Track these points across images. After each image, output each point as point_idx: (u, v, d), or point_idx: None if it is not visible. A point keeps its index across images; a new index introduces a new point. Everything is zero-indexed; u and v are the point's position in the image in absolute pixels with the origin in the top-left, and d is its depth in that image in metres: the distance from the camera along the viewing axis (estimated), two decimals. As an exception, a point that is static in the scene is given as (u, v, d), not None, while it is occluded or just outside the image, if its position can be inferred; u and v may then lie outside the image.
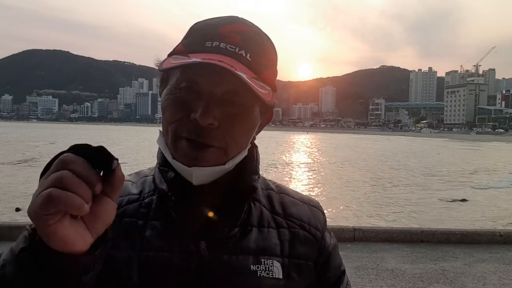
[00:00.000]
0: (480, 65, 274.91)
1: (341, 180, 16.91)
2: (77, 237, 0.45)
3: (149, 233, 0.66)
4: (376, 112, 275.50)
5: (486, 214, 10.58)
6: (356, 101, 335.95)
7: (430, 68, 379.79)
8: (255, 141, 0.74)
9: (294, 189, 0.82)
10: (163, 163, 0.68)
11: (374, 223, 8.84)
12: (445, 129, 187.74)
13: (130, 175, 0.76)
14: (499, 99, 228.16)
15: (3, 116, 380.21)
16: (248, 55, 0.62)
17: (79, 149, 0.46)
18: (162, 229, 0.67)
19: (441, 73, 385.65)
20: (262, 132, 0.71)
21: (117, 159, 0.47)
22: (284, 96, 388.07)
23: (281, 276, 0.68)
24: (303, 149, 42.00)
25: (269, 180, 0.81)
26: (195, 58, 0.59)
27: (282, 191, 0.79)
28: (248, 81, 0.58)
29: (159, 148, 0.69)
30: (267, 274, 0.68)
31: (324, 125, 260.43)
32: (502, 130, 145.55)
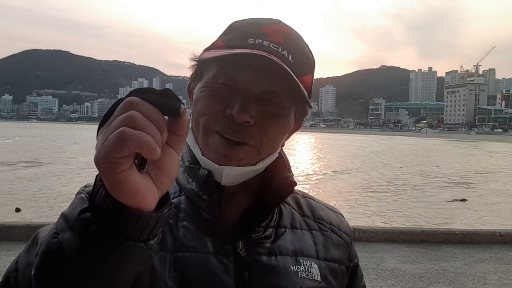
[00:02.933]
0: (480, 65, 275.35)
1: (341, 179, 16.91)
2: (147, 189, 0.42)
3: (182, 234, 0.63)
4: (376, 112, 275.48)
5: (486, 214, 10.57)
6: (356, 101, 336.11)
7: (430, 68, 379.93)
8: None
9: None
10: (193, 160, 0.66)
11: (374, 223, 8.84)
12: (445, 129, 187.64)
13: None
14: (499, 99, 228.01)
15: (3, 116, 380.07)
16: (290, 56, 0.61)
17: (143, 93, 0.41)
18: (194, 229, 0.64)
19: (441, 73, 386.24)
20: None
21: (183, 103, 0.43)
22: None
23: (319, 279, 0.67)
24: (305, 148, 41.99)
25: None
26: (240, 50, 0.57)
27: (307, 196, 0.79)
28: (295, 78, 0.57)
29: (186, 145, 0.66)
30: (307, 275, 0.66)
31: (324, 125, 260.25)
32: (501, 130, 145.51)
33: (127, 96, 0.42)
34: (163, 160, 0.42)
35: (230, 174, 0.62)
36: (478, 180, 17.80)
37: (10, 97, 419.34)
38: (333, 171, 20.26)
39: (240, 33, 0.62)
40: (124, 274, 0.45)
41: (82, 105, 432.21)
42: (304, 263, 0.67)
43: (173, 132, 0.42)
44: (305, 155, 33.37)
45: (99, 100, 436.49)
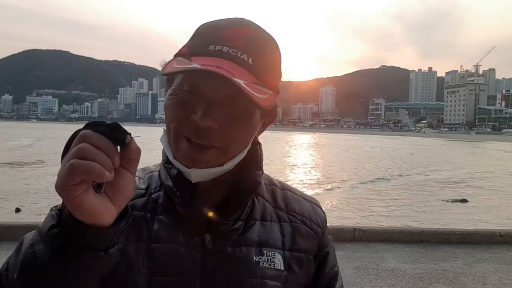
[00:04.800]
0: (480, 65, 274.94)
1: (341, 179, 16.91)
2: (102, 208, 0.50)
3: (156, 226, 0.69)
4: (376, 112, 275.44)
5: (486, 214, 10.57)
6: (356, 101, 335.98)
7: (430, 68, 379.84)
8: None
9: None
10: (167, 160, 0.71)
11: (374, 223, 8.84)
12: (445, 129, 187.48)
13: (137, 170, 0.74)
14: (499, 99, 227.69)
15: (3, 116, 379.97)
16: (250, 59, 0.64)
17: (95, 126, 0.50)
18: (169, 222, 0.70)
19: (441, 73, 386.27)
20: (269, 133, 0.77)
21: (130, 134, 0.51)
22: (284, 96, 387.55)
23: (282, 268, 0.72)
24: (307, 148, 41.97)
25: (273, 177, 0.84)
26: (195, 64, 0.60)
27: (285, 188, 0.83)
28: (246, 87, 0.59)
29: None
30: (269, 265, 0.71)
31: (324, 125, 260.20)
32: (506, 130, 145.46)
33: (83, 128, 0.50)
34: (118, 181, 0.51)
35: (198, 175, 0.66)
36: (478, 180, 17.80)
37: (10, 97, 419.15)
38: (332, 171, 20.24)
39: (202, 39, 0.66)
40: (89, 277, 0.54)
41: (82, 105, 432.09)
42: (268, 253, 0.71)
43: (125, 157, 0.51)
44: (304, 154, 33.34)
45: (99, 100, 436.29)
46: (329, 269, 0.81)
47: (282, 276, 0.72)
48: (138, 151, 0.52)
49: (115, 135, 0.50)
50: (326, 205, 11.65)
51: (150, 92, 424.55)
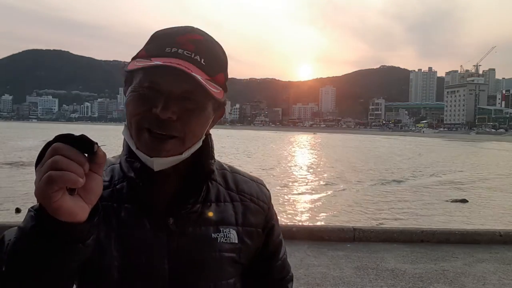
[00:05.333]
0: (480, 65, 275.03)
1: (341, 179, 16.91)
2: (78, 208, 0.58)
3: (123, 215, 0.78)
4: (376, 112, 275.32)
5: (486, 214, 10.59)
6: (356, 101, 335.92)
7: (430, 68, 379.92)
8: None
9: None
10: (129, 154, 0.80)
11: (374, 223, 8.84)
12: (445, 129, 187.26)
13: None
14: (499, 99, 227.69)
15: (3, 116, 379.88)
16: (203, 60, 0.73)
17: (64, 139, 0.57)
18: (134, 210, 0.79)
19: (441, 73, 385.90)
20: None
21: (97, 143, 0.59)
22: (284, 96, 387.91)
23: (236, 241, 0.84)
24: (306, 148, 41.96)
25: (223, 162, 0.94)
26: (157, 62, 0.69)
27: (234, 171, 0.94)
28: (202, 81, 0.69)
29: (124, 139, 0.80)
30: (225, 240, 0.83)
31: (324, 125, 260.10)
32: (502, 130, 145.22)
33: (53, 140, 0.58)
34: (89, 183, 0.59)
35: (160, 163, 0.75)
36: (478, 180, 17.81)
37: (10, 97, 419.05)
38: (332, 170, 20.25)
39: (158, 44, 0.75)
40: (70, 265, 0.64)
41: (82, 105, 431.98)
42: (224, 230, 0.83)
43: (93, 162, 0.59)
44: (304, 154, 33.31)
45: (99, 100, 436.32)
46: (275, 237, 0.94)
47: (237, 248, 0.84)
48: (104, 156, 0.60)
49: (84, 145, 0.58)
50: (326, 205, 11.65)
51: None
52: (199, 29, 0.79)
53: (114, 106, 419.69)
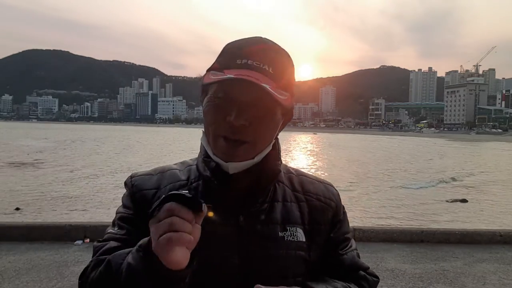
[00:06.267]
0: (480, 65, 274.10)
1: (341, 179, 16.90)
2: (184, 259, 0.67)
3: None
4: (376, 112, 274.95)
5: (486, 214, 10.58)
6: (356, 101, 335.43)
7: (430, 68, 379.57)
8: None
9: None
10: (206, 155, 0.87)
11: (374, 223, 8.83)
12: (445, 129, 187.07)
13: (176, 164, 0.98)
14: (499, 99, 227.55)
15: (3, 116, 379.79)
16: (271, 69, 0.80)
17: (176, 197, 0.66)
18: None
19: (441, 73, 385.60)
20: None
21: (203, 201, 0.68)
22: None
23: (304, 239, 0.89)
24: (305, 149, 41.93)
25: (289, 167, 1.00)
26: (229, 74, 0.77)
27: (301, 174, 0.99)
28: (270, 90, 0.76)
29: (201, 143, 0.90)
30: (292, 238, 0.87)
31: (324, 125, 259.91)
32: (500, 130, 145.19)
33: (166, 198, 0.67)
34: (193, 234, 0.67)
35: (234, 167, 0.83)
36: (478, 180, 17.81)
37: (10, 97, 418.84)
38: (332, 170, 20.22)
39: (229, 56, 0.83)
40: None
41: (82, 105, 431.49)
42: (290, 229, 0.88)
43: (197, 215, 0.67)
44: (305, 154, 33.24)
45: (99, 100, 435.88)
46: (339, 234, 0.95)
47: (305, 246, 0.88)
48: (206, 212, 0.68)
49: (194, 205, 0.66)
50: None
51: (150, 92, 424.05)
52: (267, 39, 0.86)
53: (114, 106, 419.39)
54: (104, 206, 10.27)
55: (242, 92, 0.79)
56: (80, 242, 5.27)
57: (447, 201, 12.17)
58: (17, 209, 9.25)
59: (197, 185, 0.89)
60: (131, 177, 0.93)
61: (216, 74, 0.79)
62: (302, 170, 1.02)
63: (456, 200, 12.13)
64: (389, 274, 4.63)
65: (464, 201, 12.07)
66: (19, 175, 15.92)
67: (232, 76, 0.76)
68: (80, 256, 4.80)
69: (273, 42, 0.86)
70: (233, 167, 0.83)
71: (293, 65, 0.88)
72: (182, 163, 0.98)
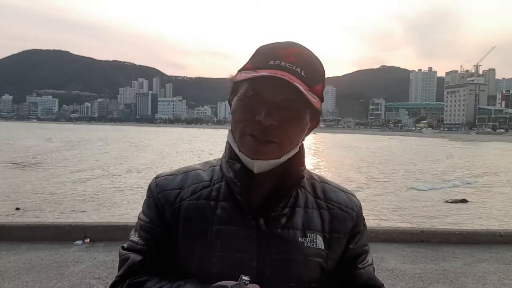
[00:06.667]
0: (480, 65, 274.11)
1: (341, 179, 16.89)
2: None
3: (219, 212, 0.86)
4: (376, 112, 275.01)
5: (486, 214, 10.57)
6: (356, 101, 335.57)
7: (430, 68, 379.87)
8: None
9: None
10: (231, 156, 0.88)
11: (374, 223, 8.83)
12: (445, 129, 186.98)
13: (199, 164, 0.98)
14: (499, 99, 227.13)
15: (3, 116, 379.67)
16: (303, 72, 0.80)
17: None
18: (229, 208, 0.86)
19: (441, 73, 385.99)
20: None
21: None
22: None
23: (323, 247, 0.88)
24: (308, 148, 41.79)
25: (313, 173, 0.99)
26: (263, 73, 0.77)
27: (324, 181, 0.98)
28: (303, 90, 0.76)
29: (227, 142, 0.89)
30: (312, 244, 0.87)
31: (323, 125, 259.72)
32: (502, 130, 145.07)
33: None
34: None
35: (260, 166, 0.83)
36: (478, 180, 17.79)
37: (10, 97, 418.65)
38: (332, 170, 20.21)
39: (263, 57, 0.83)
40: None
41: (82, 105, 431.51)
42: (310, 235, 0.88)
43: None
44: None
45: (99, 100, 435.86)
46: (358, 246, 0.96)
47: (324, 254, 0.88)
48: None
49: None
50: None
51: (150, 92, 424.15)
52: (299, 44, 0.86)
53: (114, 106, 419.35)
54: (104, 206, 10.27)
55: (273, 92, 0.79)
56: (80, 242, 5.26)
57: (447, 201, 12.16)
58: (17, 209, 9.25)
59: (219, 185, 0.90)
60: (156, 177, 0.94)
61: (249, 73, 0.80)
62: (326, 177, 1.01)
63: (456, 201, 12.12)
64: (389, 274, 4.63)
65: (464, 201, 12.07)
66: (19, 175, 15.92)
67: (266, 73, 0.77)
68: (80, 256, 4.80)
69: (305, 47, 0.87)
70: (258, 165, 0.83)
71: (324, 71, 0.88)
72: (206, 163, 0.98)
